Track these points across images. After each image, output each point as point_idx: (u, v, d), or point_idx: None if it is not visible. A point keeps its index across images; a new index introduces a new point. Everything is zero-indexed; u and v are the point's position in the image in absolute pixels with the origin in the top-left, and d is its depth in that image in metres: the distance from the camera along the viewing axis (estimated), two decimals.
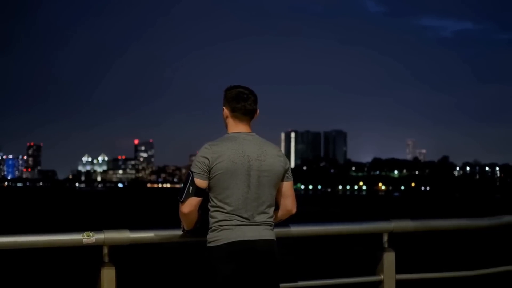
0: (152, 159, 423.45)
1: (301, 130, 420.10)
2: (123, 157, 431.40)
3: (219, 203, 3.91)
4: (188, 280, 14.60)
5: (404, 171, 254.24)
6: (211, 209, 3.95)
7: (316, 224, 4.70)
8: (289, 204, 4.12)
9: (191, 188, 3.87)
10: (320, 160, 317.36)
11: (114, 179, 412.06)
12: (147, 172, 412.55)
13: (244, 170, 3.92)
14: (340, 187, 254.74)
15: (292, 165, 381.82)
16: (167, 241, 4.20)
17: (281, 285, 4.13)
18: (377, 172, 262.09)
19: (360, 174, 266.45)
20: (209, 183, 3.91)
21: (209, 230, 3.94)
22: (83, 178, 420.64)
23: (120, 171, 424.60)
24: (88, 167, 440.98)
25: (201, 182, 3.88)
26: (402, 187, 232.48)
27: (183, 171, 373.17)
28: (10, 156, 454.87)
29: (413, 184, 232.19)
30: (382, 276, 4.74)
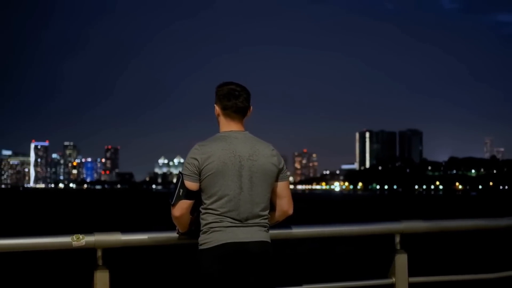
0: None
1: (376, 130, 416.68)
2: None
3: (210, 205, 3.81)
4: (181, 283, 14.46)
5: (482, 170, 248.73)
6: (202, 211, 3.85)
7: (323, 226, 4.55)
8: (284, 205, 4.00)
9: (181, 190, 3.78)
10: (396, 160, 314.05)
11: None
12: None
13: (236, 171, 3.80)
14: (416, 186, 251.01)
15: (367, 165, 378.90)
16: (160, 243, 4.11)
17: None
18: (454, 172, 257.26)
19: (436, 173, 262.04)
20: (200, 185, 3.82)
21: (201, 233, 3.84)
22: (159, 180, 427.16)
23: None
24: (164, 169, 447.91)
25: (191, 185, 3.79)
26: (480, 187, 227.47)
27: None
28: (89, 159, 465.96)
29: (491, 183, 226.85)
30: (394, 279, 4.56)
